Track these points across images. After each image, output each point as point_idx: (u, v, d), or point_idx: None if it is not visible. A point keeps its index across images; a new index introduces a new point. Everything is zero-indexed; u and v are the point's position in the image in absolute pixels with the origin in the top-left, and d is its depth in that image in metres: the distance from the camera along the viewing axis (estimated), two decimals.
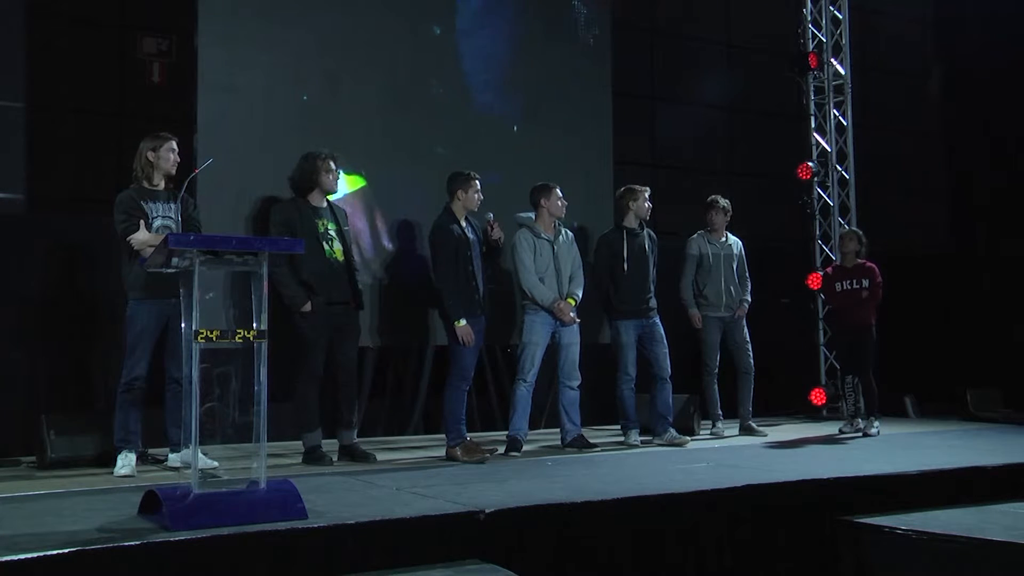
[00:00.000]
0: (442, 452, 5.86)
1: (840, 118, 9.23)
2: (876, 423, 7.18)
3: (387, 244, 6.87)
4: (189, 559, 3.29)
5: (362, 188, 6.78)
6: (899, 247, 9.22)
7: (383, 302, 6.71)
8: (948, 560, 4.08)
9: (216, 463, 5.24)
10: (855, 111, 9.21)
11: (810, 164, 8.94)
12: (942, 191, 10.34)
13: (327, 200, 5.86)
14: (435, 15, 7.18)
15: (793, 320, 8.88)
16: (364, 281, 6.14)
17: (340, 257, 5.77)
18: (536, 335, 6.26)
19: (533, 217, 6.40)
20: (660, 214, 7.12)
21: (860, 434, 7.12)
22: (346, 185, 6.60)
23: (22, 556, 3.06)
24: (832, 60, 9.20)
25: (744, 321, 7.25)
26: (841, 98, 9.23)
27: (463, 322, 5.79)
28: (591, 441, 6.35)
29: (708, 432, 7.16)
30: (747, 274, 7.34)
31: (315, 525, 3.55)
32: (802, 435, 7.20)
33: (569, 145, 7.51)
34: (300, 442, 5.70)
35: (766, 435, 7.06)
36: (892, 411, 8.27)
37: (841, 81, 9.21)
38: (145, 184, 5.42)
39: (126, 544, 3.26)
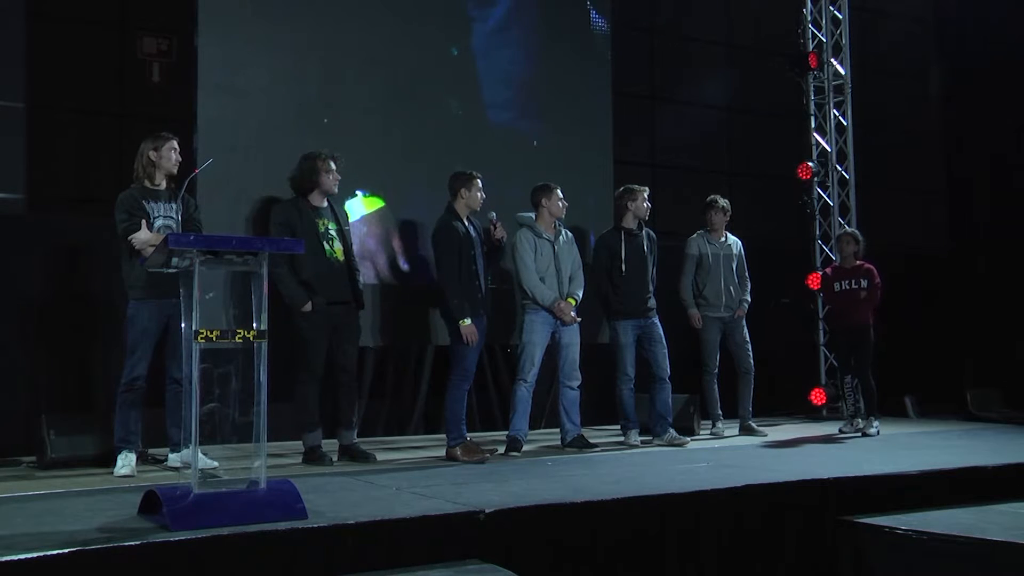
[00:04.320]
0: (442, 452, 5.86)
1: (840, 118, 9.24)
2: (875, 423, 7.18)
3: (395, 247, 6.88)
4: (189, 559, 3.29)
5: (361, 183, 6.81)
6: (899, 247, 9.23)
7: (383, 302, 6.71)
8: (948, 560, 4.08)
9: (216, 463, 5.24)
10: (855, 111, 9.21)
11: (810, 164, 8.94)
12: (942, 191, 10.34)
13: (327, 200, 5.86)
14: (435, 17, 7.17)
15: (793, 320, 8.88)
16: (365, 281, 6.14)
17: (340, 257, 5.77)
18: (536, 335, 6.26)
19: (534, 217, 6.41)
20: (660, 214, 7.12)
21: (860, 434, 7.13)
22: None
23: (22, 556, 3.06)
24: (832, 60, 9.21)
25: (744, 321, 7.25)
26: (841, 98, 9.24)
27: (468, 321, 5.78)
28: (591, 441, 6.35)
29: (708, 432, 7.16)
30: (747, 274, 7.33)
31: (315, 525, 3.55)
32: (802, 435, 7.20)
33: (569, 145, 7.52)
34: (300, 442, 5.70)
35: (766, 435, 7.06)
36: (892, 411, 8.28)
37: (841, 81, 9.22)
38: (147, 184, 5.42)
39: (126, 544, 3.26)
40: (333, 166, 5.79)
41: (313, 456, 5.60)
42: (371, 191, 6.75)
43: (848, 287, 7.31)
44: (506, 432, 6.28)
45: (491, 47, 7.39)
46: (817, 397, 8.71)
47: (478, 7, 7.39)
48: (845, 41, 9.21)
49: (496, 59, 7.40)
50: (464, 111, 7.23)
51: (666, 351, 6.66)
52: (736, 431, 7.16)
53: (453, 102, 7.18)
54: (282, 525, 3.51)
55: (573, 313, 6.32)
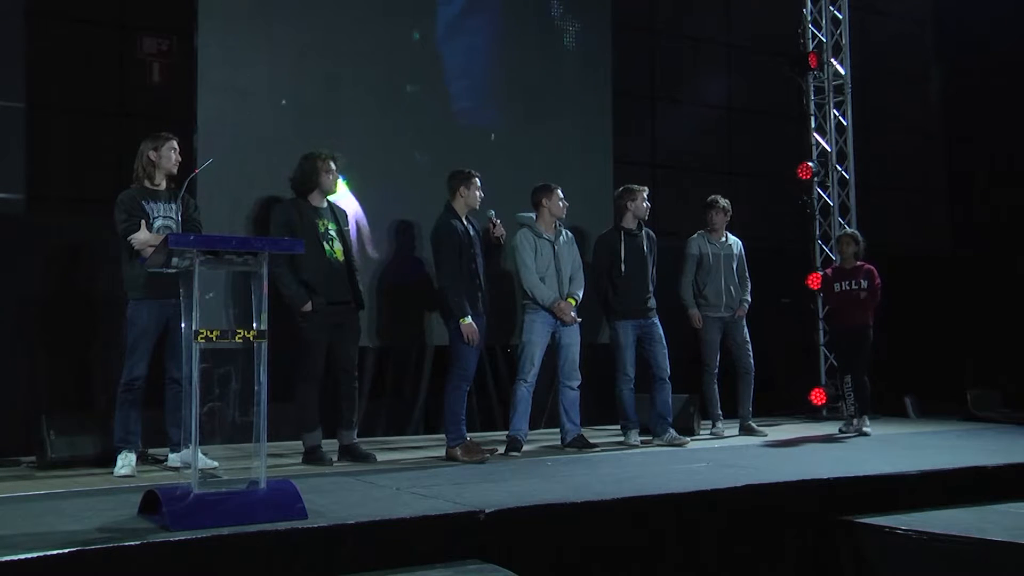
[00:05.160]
0: (442, 452, 5.86)
1: (840, 118, 9.24)
2: (868, 421, 7.20)
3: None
4: (189, 559, 3.29)
5: (358, 189, 6.78)
6: (899, 247, 9.23)
7: (383, 302, 6.71)
8: (948, 560, 4.08)
9: (216, 463, 5.24)
10: (855, 111, 9.21)
11: (810, 164, 8.93)
12: (942, 191, 10.35)
13: (327, 200, 5.86)
14: (432, 18, 7.17)
15: (793, 320, 8.88)
16: (364, 281, 6.14)
17: (340, 257, 5.77)
18: (536, 335, 6.26)
19: (534, 217, 6.41)
20: (660, 214, 7.12)
21: (859, 434, 7.13)
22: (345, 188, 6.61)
23: (22, 556, 3.06)
24: (832, 60, 9.20)
25: (744, 321, 7.24)
26: (841, 98, 9.24)
27: (469, 319, 5.77)
28: (591, 441, 6.35)
29: (708, 432, 7.15)
30: (747, 274, 7.33)
31: (315, 525, 3.55)
32: (802, 435, 7.20)
33: (569, 145, 7.52)
34: (300, 442, 5.70)
35: (766, 435, 7.06)
36: (892, 411, 8.28)
37: (841, 81, 9.22)
38: (147, 184, 5.42)
39: (126, 544, 3.26)
40: (333, 166, 5.79)
41: (313, 456, 5.60)
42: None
43: (848, 287, 7.32)
44: (506, 432, 6.28)
45: (489, 46, 7.38)
46: (817, 397, 8.71)
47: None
48: (845, 41, 9.20)
49: (494, 58, 7.40)
50: (464, 110, 7.22)
51: (666, 351, 6.66)
52: (736, 431, 7.16)
53: (452, 101, 7.17)
54: (282, 525, 3.51)
55: (573, 313, 6.32)
